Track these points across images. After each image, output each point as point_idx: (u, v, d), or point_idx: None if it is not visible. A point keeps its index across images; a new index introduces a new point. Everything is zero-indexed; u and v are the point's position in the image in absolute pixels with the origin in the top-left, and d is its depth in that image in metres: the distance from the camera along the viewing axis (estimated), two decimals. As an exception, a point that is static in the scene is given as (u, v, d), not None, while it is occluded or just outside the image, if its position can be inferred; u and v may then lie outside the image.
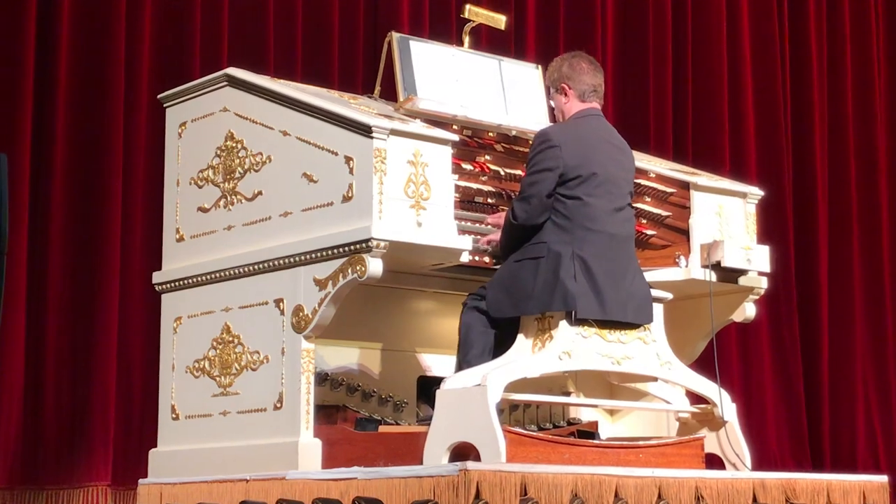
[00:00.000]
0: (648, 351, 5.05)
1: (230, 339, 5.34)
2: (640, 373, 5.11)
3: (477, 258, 5.16)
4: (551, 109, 5.44)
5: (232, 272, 5.35)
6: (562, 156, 4.94)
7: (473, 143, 5.71)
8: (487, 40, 7.18)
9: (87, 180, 6.63)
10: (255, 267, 5.24)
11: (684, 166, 6.38)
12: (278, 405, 5.08)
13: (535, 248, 4.93)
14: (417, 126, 5.00)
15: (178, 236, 5.69)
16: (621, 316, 4.93)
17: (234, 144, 5.45)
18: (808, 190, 9.00)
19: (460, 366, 4.93)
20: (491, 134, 5.80)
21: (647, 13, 8.53)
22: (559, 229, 4.92)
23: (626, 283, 4.96)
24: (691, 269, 5.59)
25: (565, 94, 5.19)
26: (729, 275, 5.62)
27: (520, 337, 4.91)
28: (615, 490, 4.46)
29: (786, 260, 8.54)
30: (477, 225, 5.35)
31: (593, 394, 5.88)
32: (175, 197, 5.74)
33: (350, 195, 4.90)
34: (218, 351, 5.39)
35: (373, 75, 5.94)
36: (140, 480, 5.57)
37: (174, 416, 5.58)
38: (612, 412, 6.05)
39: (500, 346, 4.94)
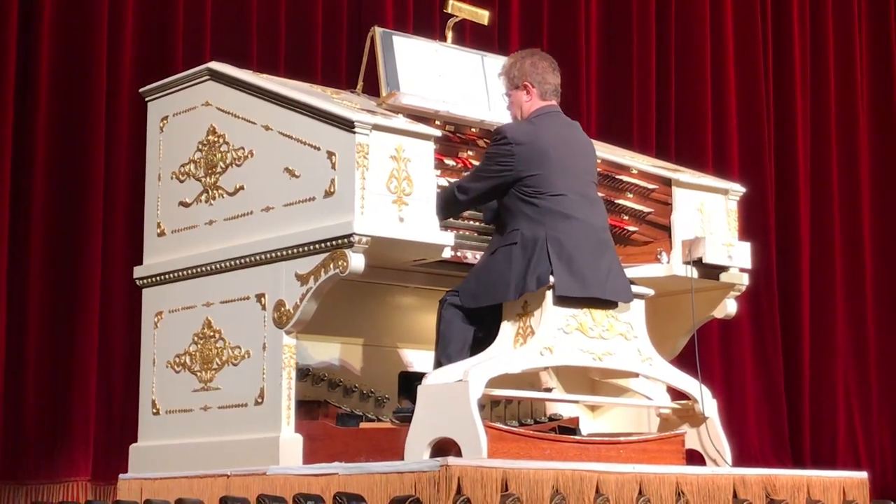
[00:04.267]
0: (630, 347, 5.05)
1: (211, 333, 5.33)
2: (622, 369, 5.12)
3: (459, 254, 5.16)
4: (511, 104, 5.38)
5: (213, 267, 5.34)
6: (517, 153, 4.96)
7: (456, 138, 5.70)
8: (471, 36, 7.17)
9: (68, 174, 6.61)
10: (237, 262, 5.23)
11: (666, 163, 6.38)
12: (259, 400, 5.07)
13: (510, 236, 4.95)
14: (400, 121, 4.99)
15: (159, 231, 5.67)
16: (600, 293, 4.93)
17: (215, 139, 5.44)
18: (790, 187, 9.02)
19: (439, 361, 4.93)
20: (473, 130, 5.79)
21: (632, 8, 8.53)
22: (531, 220, 4.93)
23: (603, 263, 4.97)
24: (673, 265, 5.60)
25: (527, 92, 5.20)
26: (710, 271, 5.63)
27: (501, 332, 4.91)
28: (596, 486, 4.46)
29: (767, 256, 8.55)
30: (459, 221, 5.34)
31: (574, 389, 5.88)
32: (156, 191, 5.72)
33: (332, 190, 4.89)
34: (199, 346, 5.38)
35: (356, 70, 5.92)
36: (120, 475, 5.54)
37: (155, 410, 5.57)
38: (593, 408, 6.05)
39: (480, 342, 4.94)
